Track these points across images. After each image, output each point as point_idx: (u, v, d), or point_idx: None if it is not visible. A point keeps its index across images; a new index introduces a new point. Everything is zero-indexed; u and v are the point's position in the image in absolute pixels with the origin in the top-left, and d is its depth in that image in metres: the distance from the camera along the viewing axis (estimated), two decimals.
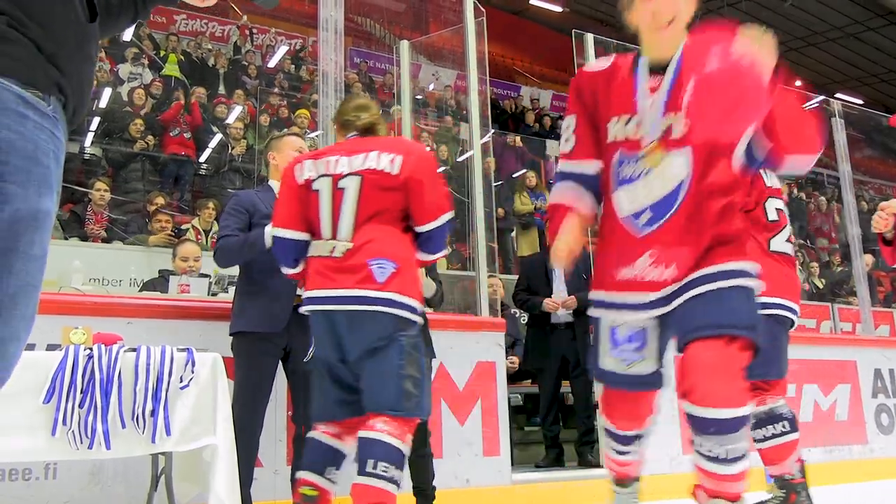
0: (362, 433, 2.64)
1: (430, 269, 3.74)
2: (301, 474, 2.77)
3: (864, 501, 3.82)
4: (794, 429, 3.26)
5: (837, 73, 18.40)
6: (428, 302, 3.75)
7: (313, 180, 2.86)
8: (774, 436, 3.25)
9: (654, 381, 2.39)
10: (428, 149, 6.85)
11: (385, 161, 2.81)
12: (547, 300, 5.37)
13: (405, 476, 3.61)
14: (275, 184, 3.46)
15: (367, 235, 2.76)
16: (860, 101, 16.68)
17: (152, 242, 6.27)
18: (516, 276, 6.21)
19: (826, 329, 8.42)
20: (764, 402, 3.25)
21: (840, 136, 6.79)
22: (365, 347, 2.69)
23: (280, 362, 3.34)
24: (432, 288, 3.74)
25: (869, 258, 7.92)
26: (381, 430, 2.61)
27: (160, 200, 7.29)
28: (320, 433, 2.82)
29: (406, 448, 2.67)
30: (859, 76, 18.52)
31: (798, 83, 17.54)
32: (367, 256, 2.72)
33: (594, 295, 2.48)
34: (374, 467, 2.57)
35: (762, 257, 3.18)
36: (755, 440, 3.23)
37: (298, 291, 3.18)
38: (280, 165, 3.44)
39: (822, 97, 7.48)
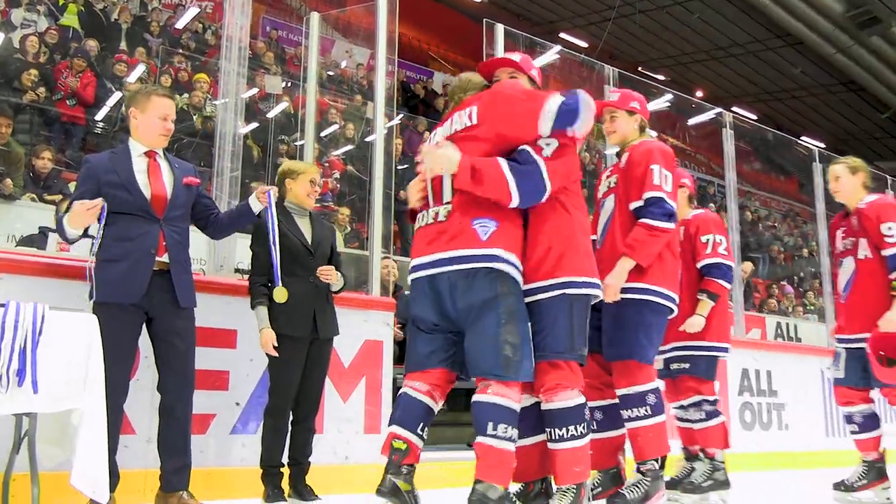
0: (477, 396, 2.77)
1: (338, 266, 3.78)
2: (393, 428, 2.85)
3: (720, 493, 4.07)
4: None
5: (736, 87, 19.24)
6: (335, 293, 3.80)
7: None
8: None
9: None
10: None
11: (464, 118, 2.93)
12: None
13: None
14: (135, 144, 3.30)
15: (468, 196, 2.83)
16: (754, 116, 17.53)
17: None
18: None
19: None
20: None
21: (729, 147, 7.11)
22: (468, 304, 2.78)
23: (146, 327, 3.25)
24: (341, 282, 3.78)
25: (748, 265, 8.32)
26: (494, 392, 2.74)
27: (47, 155, 6.96)
28: (412, 389, 2.90)
29: (517, 406, 2.77)
30: (755, 92, 19.43)
31: (699, 94, 18.29)
32: (470, 217, 2.81)
33: None
34: (495, 429, 2.70)
35: None
36: None
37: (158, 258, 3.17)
38: (140, 127, 3.30)
39: (718, 109, 7.81)
